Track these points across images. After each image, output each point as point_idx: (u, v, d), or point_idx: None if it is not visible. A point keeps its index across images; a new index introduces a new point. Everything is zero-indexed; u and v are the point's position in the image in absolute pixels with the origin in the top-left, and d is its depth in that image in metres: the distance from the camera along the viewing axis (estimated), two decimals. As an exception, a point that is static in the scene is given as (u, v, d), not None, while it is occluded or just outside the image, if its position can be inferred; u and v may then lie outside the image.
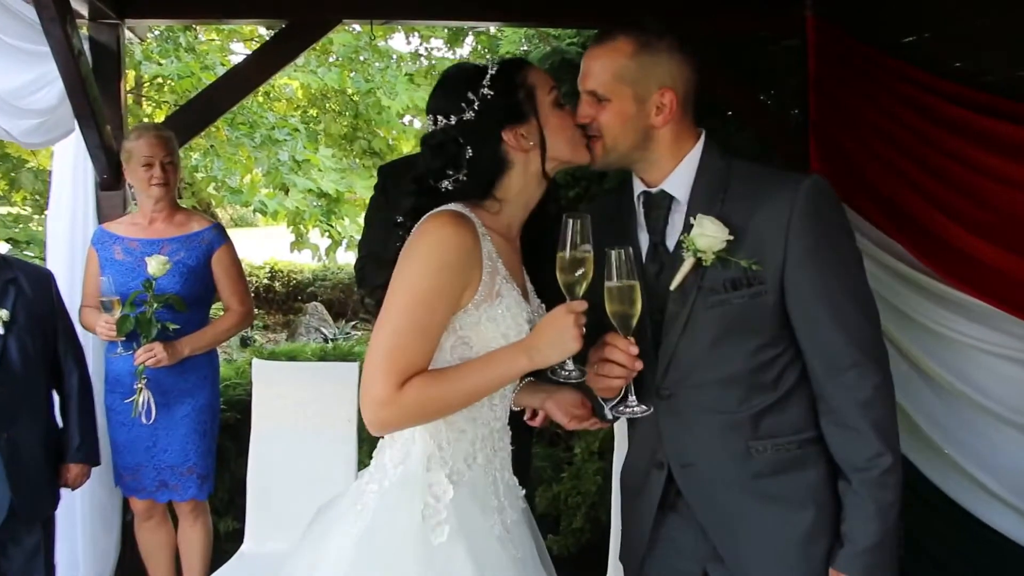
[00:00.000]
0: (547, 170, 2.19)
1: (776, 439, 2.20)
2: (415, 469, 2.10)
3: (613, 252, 2.06)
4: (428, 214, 2.09)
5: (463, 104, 2.13)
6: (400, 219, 2.15)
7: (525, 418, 3.40)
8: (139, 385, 3.91)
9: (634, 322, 2.09)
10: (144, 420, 3.93)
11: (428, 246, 2.02)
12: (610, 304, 2.08)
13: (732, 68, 5.40)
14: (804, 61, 4.94)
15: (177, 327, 3.96)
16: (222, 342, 4.34)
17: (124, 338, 3.88)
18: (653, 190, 2.26)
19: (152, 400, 3.93)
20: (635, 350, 2.10)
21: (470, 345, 2.08)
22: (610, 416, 2.31)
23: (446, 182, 2.13)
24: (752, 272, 2.13)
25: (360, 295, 13.19)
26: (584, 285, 2.08)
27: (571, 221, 2.07)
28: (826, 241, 2.15)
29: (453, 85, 2.19)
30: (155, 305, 3.86)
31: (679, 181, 2.24)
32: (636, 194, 2.31)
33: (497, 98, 2.13)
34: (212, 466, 4.16)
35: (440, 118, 2.15)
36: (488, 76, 2.14)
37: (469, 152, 2.12)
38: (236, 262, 4.24)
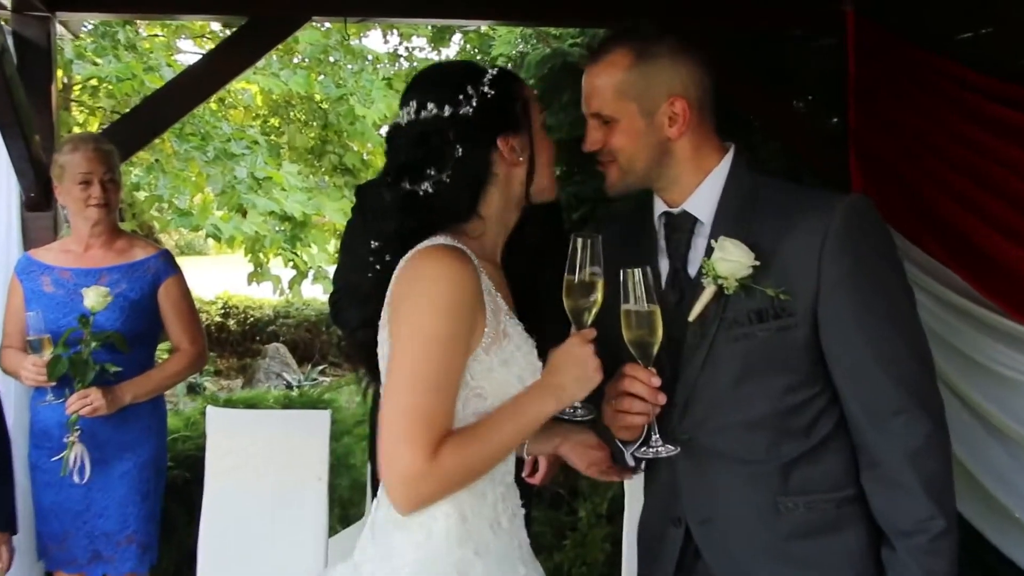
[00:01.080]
0: (532, 192, 2.23)
1: (809, 496, 2.20)
2: (439, 549, 2.07)
3: (631, 272, 2.12)
4: (416, 249, 2.08)
5: (461, 97, 2.14)
6: (377, 245, 2.15)
7: (524, 474, 3.37)
8: (71, 438, 3.84)
9: (655, 350, 2.13)
10: (76, 479, 3.87)
11: (432, 287, 2.01)
12: (628, 330, 2.12)
13: (759, 71, 5.42)
14: (843, 63, 4.96)
15: (118, 370, 3.91)
16: (170, 387, 4.30)
17: (55, 383, 3.84)
18: (675, 210, 2.30)
19: (86, 455, 3.87)
20: (657, 381, 2.13)
21: (484, 396, 2.07)
22: (631, 462, 2.32)
23: (426, 184, 2.12)
24: (780, 302, 2.15)
25: (332, 335, 13.21)
26: (594, 312, 2.13)
27: (580, 241, 2.13)
28: (866, 267, 2.16)
29: (450, 76, 2.22)
30: (92, 344, 3.82)
31: (703, 200, 2.27)
32: (657, 215, 2.34)
33: (498, 100, 2.16)
34: (156, 533, 4.10)
35: (432, 106, 2.14)
36: (489, 75, 2.18)
37: (459, 151, 2.12)
38: (187, 295, 4.22)
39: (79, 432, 3.85)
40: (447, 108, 2.13)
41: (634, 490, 3.66)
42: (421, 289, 2.02)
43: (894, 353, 2.15)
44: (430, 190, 2.12)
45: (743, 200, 2.23)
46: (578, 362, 2.07)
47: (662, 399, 2.14)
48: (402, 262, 2.08)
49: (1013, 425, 3.95)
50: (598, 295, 2.12)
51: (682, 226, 2.28)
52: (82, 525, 3.97)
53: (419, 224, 2.12)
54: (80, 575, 4.06)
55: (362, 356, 2.17)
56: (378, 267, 2.13)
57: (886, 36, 4.70)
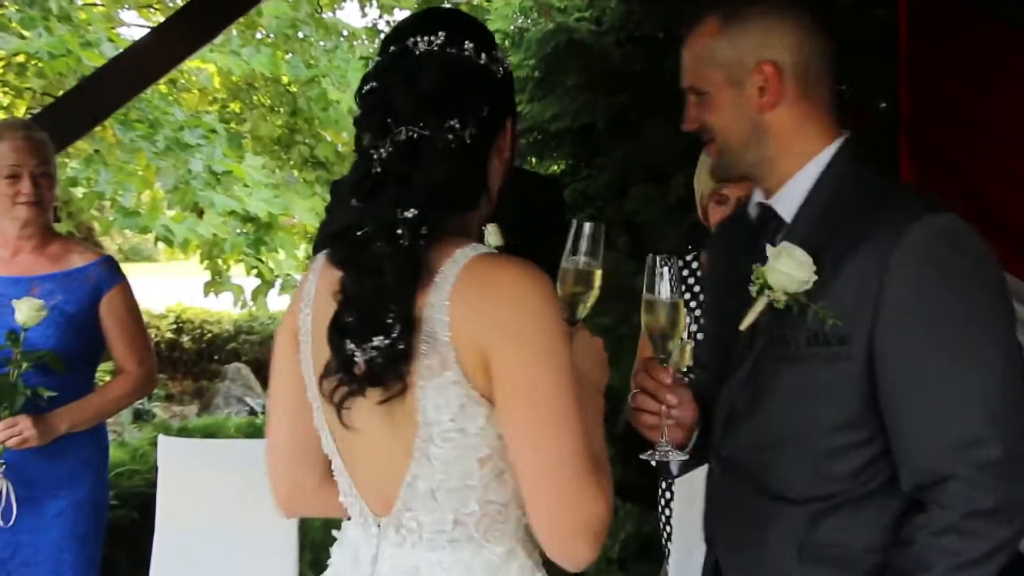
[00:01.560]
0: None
1: (839, 549, 2.17)
2: None
3: (657, 259, 2.29)
4: (475, 260, 1.94)
5: (496, 53, 2.06)
6: (415, 213, 1.92)
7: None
8: (-7, 474, 3.84)
9: (671, 344, 2.30)
10: (0, 522, 3.84)
11: (545, 307, 1.94)
12: (645, 316, 2.31)
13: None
14: (894, 38, 4.94)
15: (53, 395, 3.87)
16: (112, 415, 4.28)
17: None
18: (767, 203, 2.32)
19: (12, 494, 3.84)
20: (668, 379, 2.27)
21: None
22: (675, 469, 2.50)
23: (448, 136, 1.96)
24: (832, 328, 2.11)
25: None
26: (589, 304, 2.26)
27: (586, 227, 2.28)
28: (938, 299, 2.07)
29: (482, 26, 2.14)
30: (24, 365, 3.78)
31: (791, 195, 2.26)
32: (752, 204, 2.39)
33: (511, 78, 2.13)
34: (95, 585, 4.10)
35: (469, 45, 2.01)
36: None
37: (485, 110, 2.01)
38: (133, 308, 4.19)
39: (3, 467, 3.81)
40: (483, 56, 2.02)
41: (682, 522, 3.63)
42: (532, 309, 1.93)
43: (956, 410, 2.04)
44: (452, 145, 1.97)
45: (831, 200, 2.20)
46: (600, 355, 2.17)
47: (672, 400, 2.26)
48: (452, 274, 1.92)
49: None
50: (595, 286, 2.25)
51: (768, 223, 2.30)
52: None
53: (459, 182, 1.99)
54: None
55: (385, 372, 1.92)
56: (405, 244, 1.92)
57: (947, 7, 4.69)
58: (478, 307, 1.90)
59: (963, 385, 2.05)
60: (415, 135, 1.94)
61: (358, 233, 1.95)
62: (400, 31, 2.04)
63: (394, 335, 1.89)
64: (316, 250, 3.96)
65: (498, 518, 2.02)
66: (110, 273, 4.12)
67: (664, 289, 2.26)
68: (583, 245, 2.24)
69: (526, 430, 1.90)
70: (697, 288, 3.75)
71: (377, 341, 1.89)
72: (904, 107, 4.90)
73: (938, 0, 4.74)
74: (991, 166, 4.37)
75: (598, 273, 2.24)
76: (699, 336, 3.48)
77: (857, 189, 2.20)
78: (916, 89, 4.85)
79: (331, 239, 2.02)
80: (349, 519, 2.20)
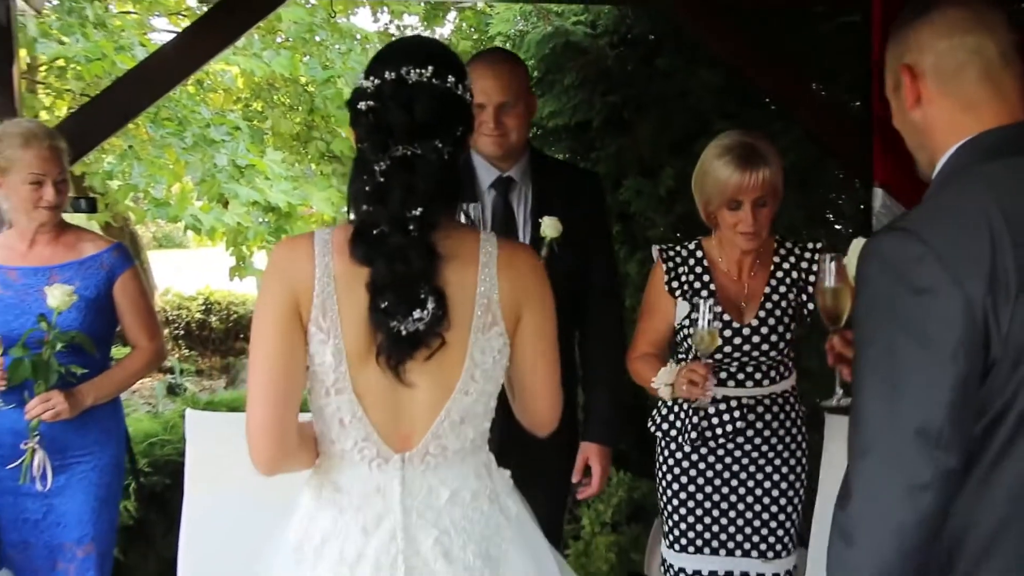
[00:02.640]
0: None
1: None
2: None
3: (818, 255, 2.96)
4: (499, 241, 2.41)
5: (468, 83, 2.35)
6: (422, 211, 2.23)
7: (574, 480, 3.79)
8: (31, 444, 3.83)
9: (842, 320, 2.71)
10: (40, 487, 3.86)
11: (547, 279, 2.48)
12: (817, 303, 2.84)
13: (775, 50, 5.37)
14: (867, 41, 4.89)
15: (85, 371, 3.92)
16: (130, 387, 4.36)
17: (4, 388, 3.82)
18: None
19: (48, 462, 3.86)
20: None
21: None
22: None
23: (434, 153, 2.26)
24: None
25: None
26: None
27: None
28: (860, 320, 1.97)
29: (457, 59, 2.37)
30: (57, 346, 3.80)
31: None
32: None
33: (472, 101, 2.39)
34: (114, 542, 4.18)
35: (451, 78, 2.29)
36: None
37: (460, 131, 2.32)
38: (143, 289, 4.26)
39: (38, 437, 3.84)
40: (460, 87, 2.31)
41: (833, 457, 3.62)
42: (545, 286, 2.47)
43: (853, 420, 1.92)
44: (437, 161, 2.27)
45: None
46: None
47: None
48: (494, 256, 2.36)
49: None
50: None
51: None
52: (39, 535, 4.00)
53: (448, 186, 2.31)
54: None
55: (428, 336, 2.28)
56: (415, 234, 2.23)
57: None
58: (515, 280, 2.38)
59: (854, 419, 1.93)
60: (410, 153, 2.23)
61: (374, 232, 2.23)
62: (394, 58, 2.30)
63: (431, 306, 2.23)
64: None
65: (488, 431, 2.47)
66: (122, 258, 4.15)
67: (829, 278, 2.76)
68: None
69: (541, 357, 2.47)
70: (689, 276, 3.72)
71: (418, 314, 2.22)
72: (876, 107, 4.82)
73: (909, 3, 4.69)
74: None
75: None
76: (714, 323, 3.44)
77: (930, 195, 2.02)
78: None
79: (351, 240, 2.26)
80: (334, 468, 2.44)
